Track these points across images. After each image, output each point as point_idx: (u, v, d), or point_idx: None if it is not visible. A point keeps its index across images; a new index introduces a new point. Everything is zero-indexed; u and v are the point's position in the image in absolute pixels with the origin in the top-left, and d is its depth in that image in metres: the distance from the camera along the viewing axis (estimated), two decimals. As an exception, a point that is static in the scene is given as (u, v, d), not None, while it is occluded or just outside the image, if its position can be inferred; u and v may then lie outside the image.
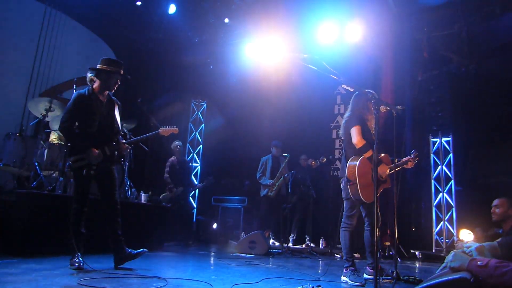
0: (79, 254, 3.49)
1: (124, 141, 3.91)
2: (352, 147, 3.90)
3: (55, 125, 5.84)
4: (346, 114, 4.11)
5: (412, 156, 4.01)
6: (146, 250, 3.81)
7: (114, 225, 3.72)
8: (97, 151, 3.62)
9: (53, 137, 6.01)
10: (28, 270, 3.25)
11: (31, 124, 6.14)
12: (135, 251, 3.72)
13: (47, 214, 4.21)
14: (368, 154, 3.74)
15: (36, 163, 5.39)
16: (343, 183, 3.94)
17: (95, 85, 3.79)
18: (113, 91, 3.90)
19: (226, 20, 8.23)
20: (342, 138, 4.15)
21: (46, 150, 5.60)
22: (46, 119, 5.69)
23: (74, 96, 3.70)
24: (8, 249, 4.00)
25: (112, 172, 3.82)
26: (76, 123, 3.66)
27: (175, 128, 4.21)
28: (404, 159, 4.00)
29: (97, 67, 3.78)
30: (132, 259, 3.70)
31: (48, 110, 5.63)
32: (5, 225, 4.21)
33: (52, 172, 5.61)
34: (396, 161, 3.97)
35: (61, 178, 4.98)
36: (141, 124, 6.58)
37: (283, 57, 7.00)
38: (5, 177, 5.71)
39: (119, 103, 4.00)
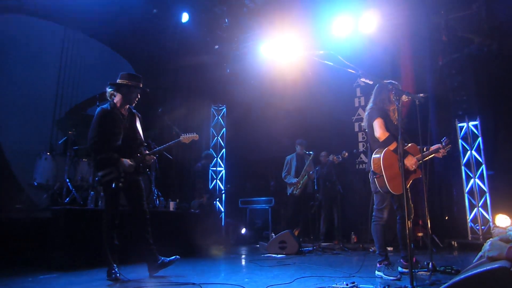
0: (115, 265, 3.58)
1: (148, 151, 3.99)
2: (376, 140, 3.82)
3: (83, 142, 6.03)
4: (368, 107, 4.04)
5: (444, 144, 3.83)
6: (179, 257, 3.88)
7: (145, 234, 3.80)
8: (129, 161, 3.71)
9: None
10: (68, 283, 3.37)
11: (59, 142, 6.36)
12: (168, 259, 3.79)
13: (82, 228, 4.35)
14: (393, 146, 3.65)
15: (67, 180, 5.58)
16: (371, 177, 3.88)
17: (116, 99, 3.88)
18: (134, 104, 3.99)
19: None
20: (366, 130, 4.10)
21: (76, 167, 5.80)
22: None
23: (98, 111, 3.79)
24: (48, 265, 4.16)
25: (139, 183, 3.90)
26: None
27: (195, 134, 4.26)
28: (433, 147, 3.84)
29: (117, 82, 3.87)
30: (165, 267, 3.77)
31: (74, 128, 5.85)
32: (43, 241, 4.37)
33: (83, 187, 5.80)
34: (424, 150, 3.86)
35: (92, 192, 5.13)
36: (163, 133, 6.70)
37: (299, 54, 6.97)
38: (40, 195, 5.94)
39: (139, 115, 4.09)
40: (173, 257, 3.82)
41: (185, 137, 4.20)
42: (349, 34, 7.55)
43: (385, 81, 3.56)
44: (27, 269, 4.06)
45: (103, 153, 3.67)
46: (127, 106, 3.94)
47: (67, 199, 5.47)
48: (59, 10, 6.55)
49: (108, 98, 3.90)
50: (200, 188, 7.16)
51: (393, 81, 3.36)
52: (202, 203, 6.88)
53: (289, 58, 7.36)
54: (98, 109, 3.82)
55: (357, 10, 7.39)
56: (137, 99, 3.96)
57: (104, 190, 3.80)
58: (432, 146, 3.88)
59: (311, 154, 7.07)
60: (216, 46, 8.74)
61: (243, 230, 8.12)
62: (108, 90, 3.89)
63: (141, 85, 3.92)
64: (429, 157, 3.86)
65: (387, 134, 3.70)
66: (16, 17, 6.51)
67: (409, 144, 3.86)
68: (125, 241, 3.88)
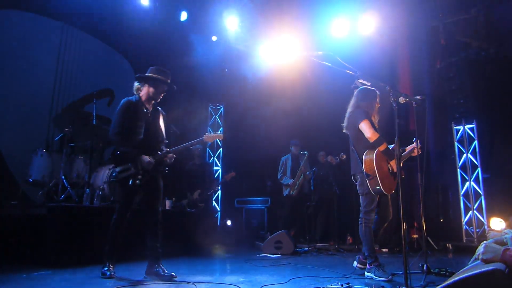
0: (110, 262, 3.55)
1: (168, 149, 3.81)
2: (362, 142, 3.86)
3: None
4: (350, 110, 4.09)
5: (416, 143, 3.90)
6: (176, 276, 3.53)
7: (154, 238, 3.62)
8: (148, 158, 3.60)
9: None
10: (62, 281, 3.36)
11: (55, 139, 6.32)
12: (167, 275, 3.49)
13: (77, 226, 4.33)
14: (383, 147, 3.72)
15: (63, 177, 5.56)
16: (358, 179, 3.89)
17: (142, 93, 3.80)
18: (159, 100, 3.87)
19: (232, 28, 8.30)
20: (346, 132, 4.13)
21: (71, 164, 5.78)
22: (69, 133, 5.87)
23: (122, 103, 3.70)
24: (42, 261, 4.13)
25: (159, 182, 3.76)
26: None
27: (219, 134, 4.06)
28: (408, 148, 3.95)
29: (146, 75, 3.78)
30: (161, 278, 3.47)
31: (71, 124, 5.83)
32: (38, 238, 4.35)
33: (78, 184, 5.78)
34: (401, 151, 3.96)
35: (87, 189, 5.11)
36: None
37: (298, 55, 6.98)
38: (35, 192, 5.90)
39: (164, 113, 3.99)
40: (171, 274, 3.50)
41: (208, 136, 3.89)
42: (347, 36, 7.57)
43: (381, 83, 3.58)
44: (22, 265, 4.04)
45: (124, 146, 3.58)
46: (152, 101, 3.85)
47: (63, 196, 5.44)
48: (57, 5, 6.51)
49: (135, 92, 3.81)
50: (180, 188, 7.04)
51: (386, 85, 3.34)
52: (190, 201, 6.80)
53: (288, 58, 7.36)
54: (123, 100, 3.73)
55: (355, 11, 7.41)
56: (163, 94, 3.85)
57: (120, 187, 3.70)
58: (413, 146, 3.96)
59: (305, 153, 7.08)
60: (210, 44, 8.72)
61: (229, 223, 8.02)
62: (135, 84, 3.81)
63: (168, 81, 3.83)
64: (406, 157, 3.97)
65: (377, 135, 3.75)
66: (12, 13, 6.46)
67: (390, 146, 3.95)
68: (122, 240, 3.85)
